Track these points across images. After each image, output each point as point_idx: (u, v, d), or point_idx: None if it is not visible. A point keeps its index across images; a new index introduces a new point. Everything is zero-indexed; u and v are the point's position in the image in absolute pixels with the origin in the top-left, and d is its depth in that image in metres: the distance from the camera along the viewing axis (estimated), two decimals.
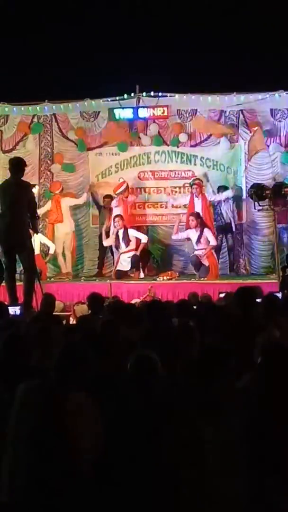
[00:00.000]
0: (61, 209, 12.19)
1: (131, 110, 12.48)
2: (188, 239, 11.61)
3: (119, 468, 2.90)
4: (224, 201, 12.00)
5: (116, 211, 11.83)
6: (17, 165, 8.56)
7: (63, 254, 12.31)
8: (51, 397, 3.06)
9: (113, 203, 12.07)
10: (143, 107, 12.49)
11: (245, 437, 3.00)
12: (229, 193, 11.96)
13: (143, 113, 12.46)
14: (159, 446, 2.88)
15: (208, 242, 11.33)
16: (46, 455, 2.94)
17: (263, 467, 3.00)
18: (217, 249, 11.81)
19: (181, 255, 12.70)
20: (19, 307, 7.83)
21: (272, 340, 4.22)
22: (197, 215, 11.39)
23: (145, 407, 2.99)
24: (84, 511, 2.92)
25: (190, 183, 12.13)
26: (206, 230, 11.33)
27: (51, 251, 12.09)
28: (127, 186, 12.11)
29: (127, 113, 12.50)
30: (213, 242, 11.37)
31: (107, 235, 12.07)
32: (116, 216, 11.67)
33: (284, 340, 4.44)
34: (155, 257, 12.72)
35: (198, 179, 12.13)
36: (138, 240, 11.71)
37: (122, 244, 11.57)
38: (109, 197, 12.37)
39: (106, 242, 12.11)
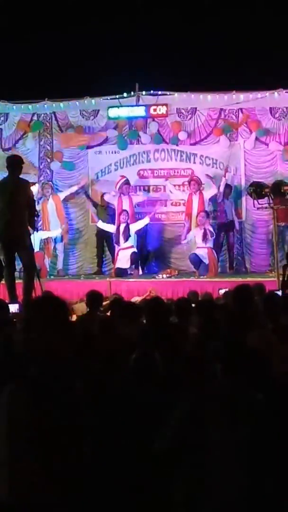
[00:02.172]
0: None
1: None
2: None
3: (113, 467, 2.91)
4: (226, 198, 12.03)
5: (122, 206, 11.84)
6: (14, 164, 8.55)
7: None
8: (38, 391, 3.05)
9: (109, 198, 12.12)
10: (117, 106, 12.61)
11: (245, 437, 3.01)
12: (213, 191, 11.98)
13: (113, 112, 12.58)
14: (159, 445, 2.89)
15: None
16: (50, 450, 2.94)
17: (263, 467, 3.00)
18: (217, 247, 11.83)
19: (178, 252, 12.71)
20: (17, 305, 7.83)
21: (266, 340, 4.23)
22: (206, 214, 11.51)
23: (144, 405, 3.00)
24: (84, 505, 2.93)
25: (188, 180, 12.15)
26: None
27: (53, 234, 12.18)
28: (127, 181, 12.09)
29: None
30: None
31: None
32: (122, 211, 11.70)
33: (283, 338, 4.46)
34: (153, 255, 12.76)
35: (196, 176, 12.15)
36: (136, 236, 11.76)
37: (122, 239, 11.59)
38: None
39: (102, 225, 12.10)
